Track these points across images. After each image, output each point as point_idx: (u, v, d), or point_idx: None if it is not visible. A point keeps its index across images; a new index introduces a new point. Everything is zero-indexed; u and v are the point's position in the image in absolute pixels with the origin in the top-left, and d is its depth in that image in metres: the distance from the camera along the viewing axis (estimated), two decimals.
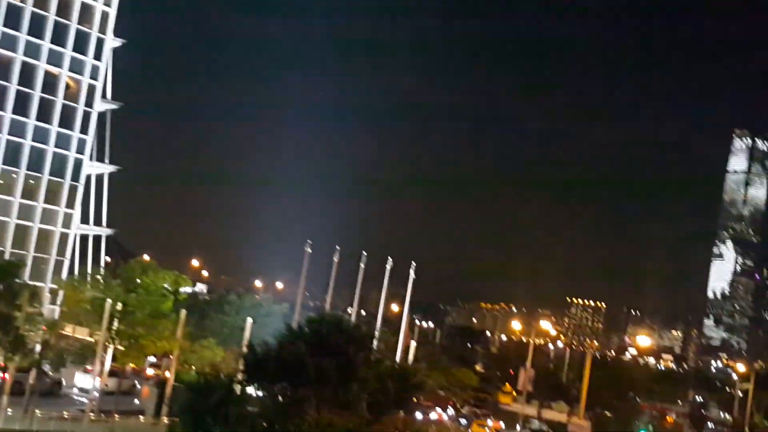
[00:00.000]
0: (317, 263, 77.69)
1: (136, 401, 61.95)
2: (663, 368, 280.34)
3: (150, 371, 76.37)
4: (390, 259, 71.22)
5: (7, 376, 52.37)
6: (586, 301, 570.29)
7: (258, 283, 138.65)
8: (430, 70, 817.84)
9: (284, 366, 34.32)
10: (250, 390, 36.51)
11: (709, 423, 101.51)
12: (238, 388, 35.62)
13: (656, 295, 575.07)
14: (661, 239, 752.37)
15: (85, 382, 61.31)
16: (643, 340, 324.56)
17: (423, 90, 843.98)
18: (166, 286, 67.31)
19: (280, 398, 35.07)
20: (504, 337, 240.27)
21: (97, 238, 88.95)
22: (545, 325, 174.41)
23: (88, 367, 59.28)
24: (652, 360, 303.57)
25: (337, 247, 73.86)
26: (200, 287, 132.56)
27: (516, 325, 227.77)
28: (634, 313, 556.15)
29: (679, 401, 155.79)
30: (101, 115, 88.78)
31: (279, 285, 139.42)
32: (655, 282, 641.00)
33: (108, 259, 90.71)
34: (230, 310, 71.83)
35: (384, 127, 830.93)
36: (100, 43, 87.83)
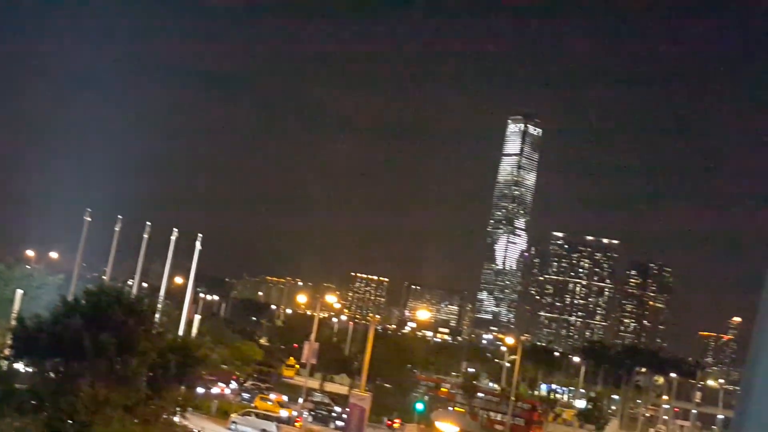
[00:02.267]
0: (97, 233, 74.26)
1: None
2: (439, 341, 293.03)
3: None
4: (175, 231, 69.31)
5: None
6: (369, 276, 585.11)
7: (30, 253, 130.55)
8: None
9: (58, 340, 32.61)
10: (20, 366, 34.41)
11: (479, 393, 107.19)
12: (5, 364, 33.48)
13: (435, 271, 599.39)
14: (441, 219, 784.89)
15: None
16: (422, 314, 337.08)
17: (211, 57, 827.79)
18: None
19: (51, 374, 33.30)
20: (289, 311, 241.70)
21: None
22: (330, 298, 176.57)
23: None
24: (429, 333, 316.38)
25: (119, 216, 70.96)
26: None
27: (301, 298, 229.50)
28: (414, 288, 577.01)
29: (453, 372, 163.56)
30: None
31: (54, 255, 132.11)
32: (434, 259, 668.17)
33: None
34: None
35: (170, 94, 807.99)
36: None
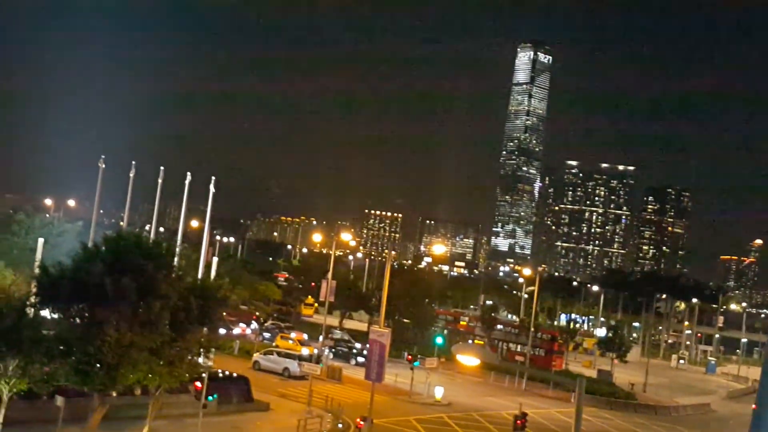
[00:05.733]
0: (112, 179, 74.49)
1: None
2: (456, 274, 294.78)
3: None
4: (189, 174, 69.31)
5: None
6: (383, 212, 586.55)
7: (48, 201, 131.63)
8: None
9: (81, 286, 32.98)
10: (45, 313, 34.87)
11: (498, 325, 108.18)
12: (31, 312, 33.93)
13: (449, 205, 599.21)
14: (454, 152, 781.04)
15: None
16: (438, 248, 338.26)
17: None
18: None
19: (77, 320, 33.79)
20: (305, 250, 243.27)
21: None
22: (345, 236, 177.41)
23: None
24: (446, 267, 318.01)
25: (133, 162, 70.97)
26: None
27: (316, 237, 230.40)
28: (428, 222, 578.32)
29: (471, 305, 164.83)
30: None
31: (71, 203, 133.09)
32: (448, 193, 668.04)
33: None
34: (19, 231, 67.91)
35: (177, 39, 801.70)
36: None
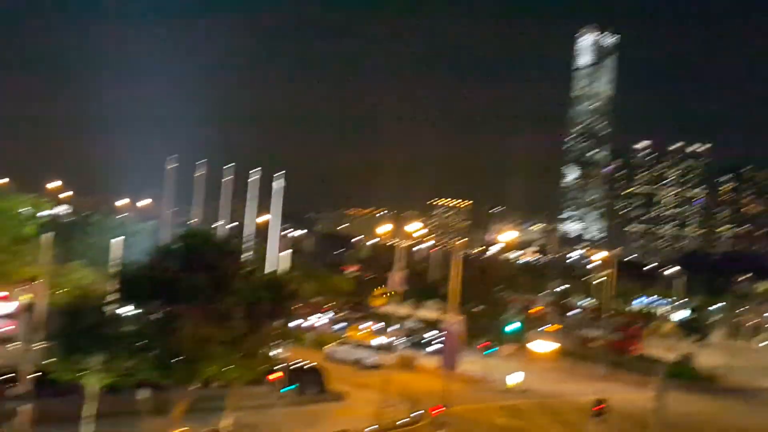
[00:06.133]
0: (182, 178, 76.04)
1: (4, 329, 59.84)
2: (527, 261, 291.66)
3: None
4: (258, 170, 70.27)
5: None
6: (451, 200, 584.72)
7: (121, 202, 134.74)
8: None
9: (157, 283, 33.77)
10: (125, 310, 35.79)
11: (572, 310, 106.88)
12: (111, 309, 34.85)
13: (517, 191, 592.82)
14: (518, 137, 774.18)
15: None
16: (508, 235, 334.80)
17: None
18: (23, 210, 64.60)
19: (155, 316, 34.58)
20: (374, 241, 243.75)
21: None
22: (413, 226, 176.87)
23: None
24: (516, 254, 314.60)
25: (202, 161, 72.29)
26: (62, 209, 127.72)
27: (385, 228, 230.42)
28: (497, 209, 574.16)
29: (543, 292, 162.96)
30: None
31: (144, 202, 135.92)
32: (515, 179, 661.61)
33: None
34: (95, 231, 69.82)
35: (237, 30, 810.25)
36: None
